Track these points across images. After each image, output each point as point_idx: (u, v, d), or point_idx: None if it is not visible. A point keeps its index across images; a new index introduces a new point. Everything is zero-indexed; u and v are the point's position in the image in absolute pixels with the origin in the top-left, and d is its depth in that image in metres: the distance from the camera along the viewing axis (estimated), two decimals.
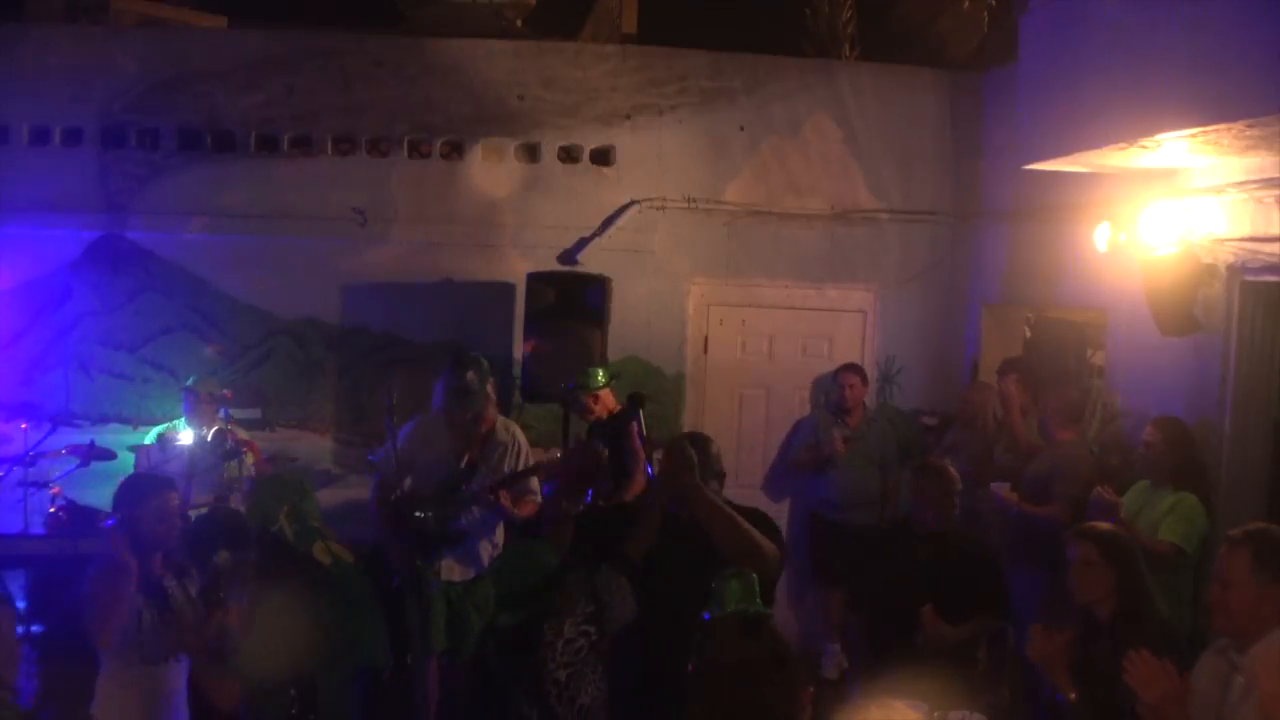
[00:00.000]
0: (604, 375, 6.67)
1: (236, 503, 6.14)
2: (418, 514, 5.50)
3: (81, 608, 4.21)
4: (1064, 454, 6.16)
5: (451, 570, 5.76)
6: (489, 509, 5.73)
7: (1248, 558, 3.23)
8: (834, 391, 7.53)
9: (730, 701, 2.81)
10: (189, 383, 6.72)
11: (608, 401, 6.62)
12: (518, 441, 5.95)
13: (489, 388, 5.84)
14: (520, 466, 5.86)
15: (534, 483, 5.85)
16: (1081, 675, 3.71)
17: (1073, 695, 3.63)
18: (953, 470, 5.17)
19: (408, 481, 5.66)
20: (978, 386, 7.36)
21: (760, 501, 7.91)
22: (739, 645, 2.99)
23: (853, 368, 7.53)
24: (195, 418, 6.58)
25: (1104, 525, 4.21)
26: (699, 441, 4.15)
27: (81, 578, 4.18)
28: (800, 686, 2.87)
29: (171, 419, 6.80)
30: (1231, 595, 3.24)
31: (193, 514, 5.52)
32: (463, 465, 5.75)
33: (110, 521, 5.87)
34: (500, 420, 5.99)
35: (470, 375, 5.67)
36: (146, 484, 4.48)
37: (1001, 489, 6.14)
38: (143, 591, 4.21)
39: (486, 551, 5.88)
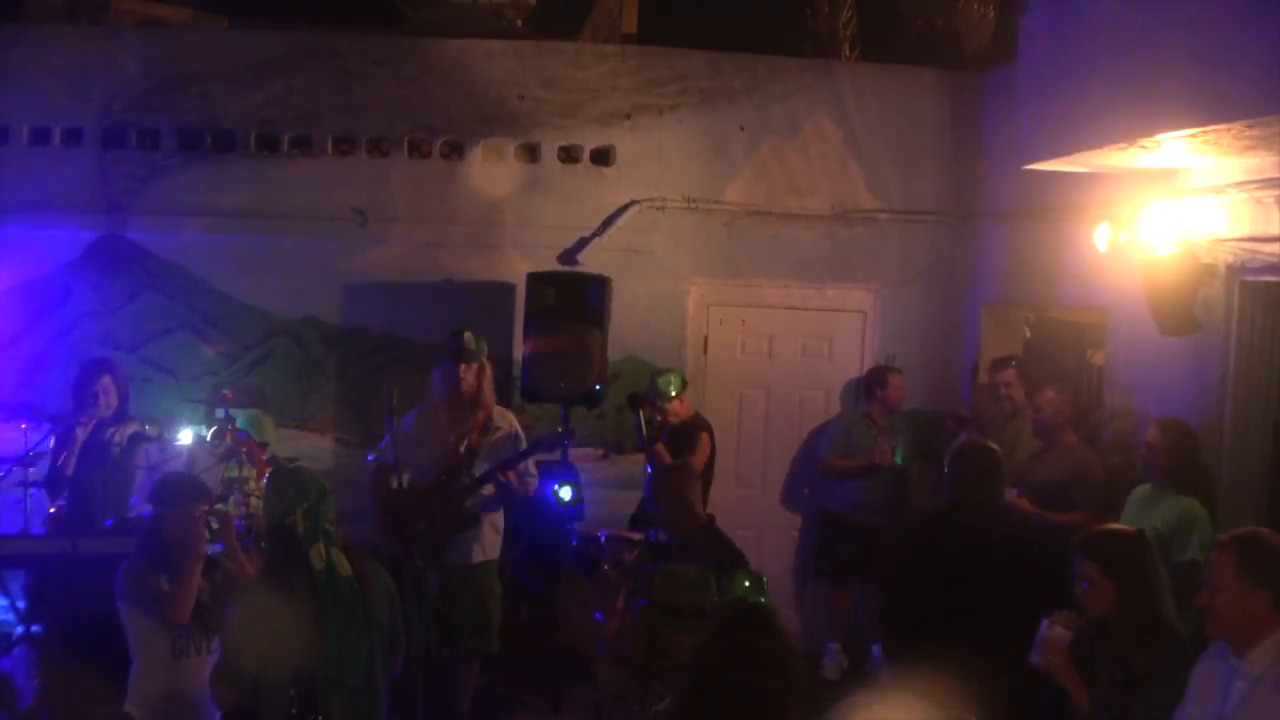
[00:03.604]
0: (677, 383, 6.98)
1: (238, 501, 6.15)
2: (418, 525, 5.63)
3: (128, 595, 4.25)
4: (1077, 457, 6.06)
5: (464, 552, 5.85)
6: (496, 489, 5.82)
7: (1232, 562, 3.23)
8: (985, 394, 7.05)
9: (723, 688, 2.80)
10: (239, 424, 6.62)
11: (680, 408, 6.98)
12: (514, 427, 6.12)
13: (484, 358, 5.99)
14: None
15: (531, 465, 6.04)
16: (1087, 680, 3.72)
17: (1085, 701, 3.63)
18: (929, 470, 5.13)
19: (405, 476, 5.69)
20: (980, 388, 7.33)
21: (761, 502, 7.93)
22: (737, 633, 2.96)
23: (1003, 362, 7.05)
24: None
25: (1108, 531, 4.03)
26: None
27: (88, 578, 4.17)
28: (796, 681, 2.84)
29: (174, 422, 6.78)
30: (1218, 600, 3.24)
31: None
32: (463, 450, 5.84)
33: (110, 522, 5.91)
34: (496, 409, 6.14)
35: (467, 335, 5.85)
36: (178, 490, 4.42)
37: (1009, 495, 5.87)
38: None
39: (489, 536, 5.96)
